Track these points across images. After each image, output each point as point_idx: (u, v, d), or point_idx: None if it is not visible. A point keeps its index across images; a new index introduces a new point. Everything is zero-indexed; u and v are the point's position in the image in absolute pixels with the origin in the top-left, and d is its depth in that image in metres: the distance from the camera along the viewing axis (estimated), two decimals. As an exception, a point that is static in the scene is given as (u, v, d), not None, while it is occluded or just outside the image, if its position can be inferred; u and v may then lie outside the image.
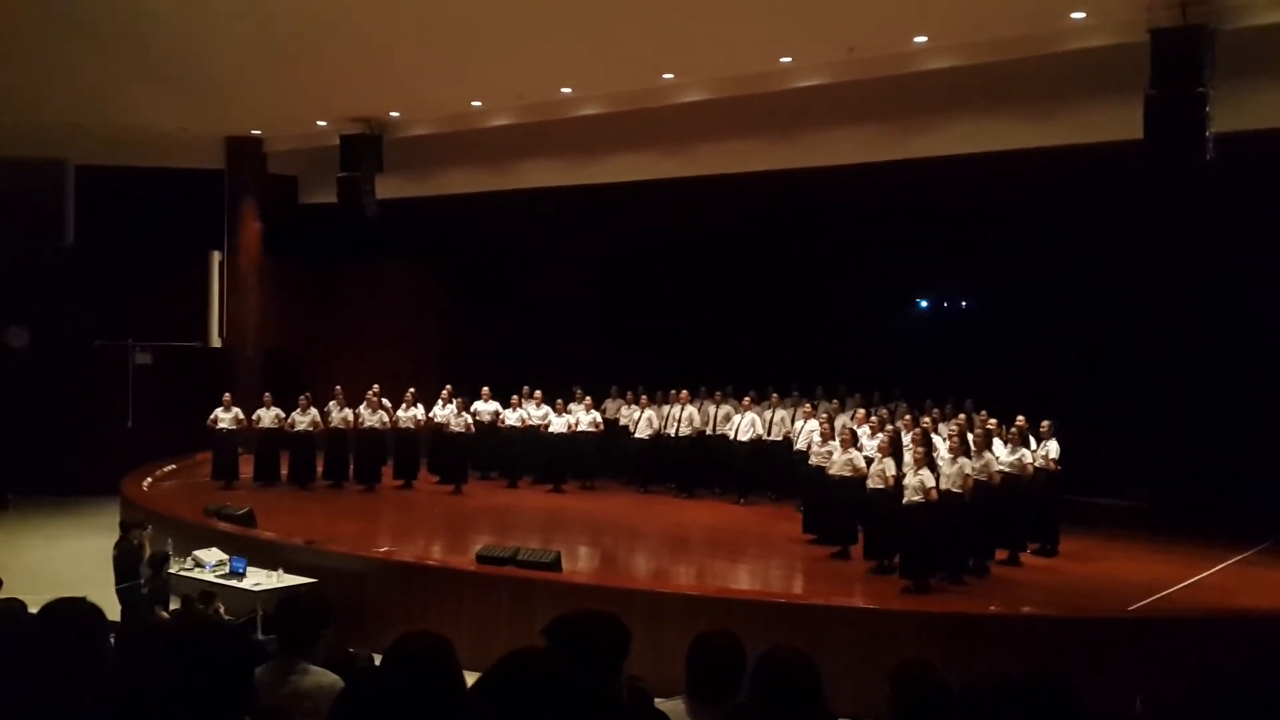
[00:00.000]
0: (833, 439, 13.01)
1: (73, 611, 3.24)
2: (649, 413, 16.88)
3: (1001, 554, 12.15)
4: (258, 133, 19.68)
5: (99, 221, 18.94)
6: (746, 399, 16.33)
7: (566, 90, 15.62)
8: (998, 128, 13.12)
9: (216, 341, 20.25)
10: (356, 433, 16.77)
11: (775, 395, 16.38)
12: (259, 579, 10.96)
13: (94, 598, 3.46)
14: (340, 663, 4.63)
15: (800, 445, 14.58)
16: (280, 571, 11.04)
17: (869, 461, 12.16)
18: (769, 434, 15.94)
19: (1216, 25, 10.98)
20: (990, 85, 12.90)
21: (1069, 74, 12.24)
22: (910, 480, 10.99)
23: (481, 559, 11.20)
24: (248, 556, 11.28)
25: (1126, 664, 8.61)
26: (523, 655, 2.45)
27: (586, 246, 19.56)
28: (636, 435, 16.98)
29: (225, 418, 16.58)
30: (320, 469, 16.82)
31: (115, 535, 11.53)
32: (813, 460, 13.34)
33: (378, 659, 3.90)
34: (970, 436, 11.93)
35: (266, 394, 17.04)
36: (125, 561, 10.91)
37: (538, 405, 17.37)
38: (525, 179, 17.40)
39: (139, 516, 12.61)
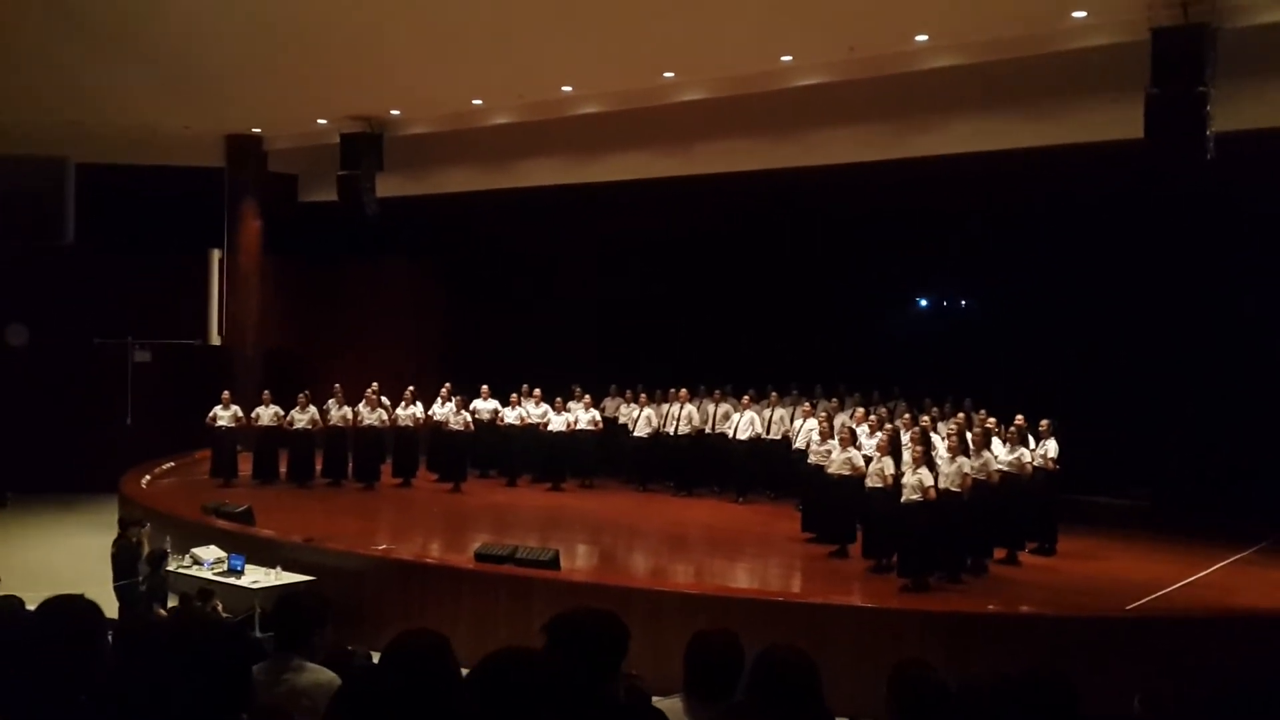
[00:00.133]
0: (832, 438, 13.01)
1: (71, 609, 3.24)
2: (648, 411, 16.88)
3: (1000, 553, 12.16)
4: (258, 131, 19.67)
5: (99, 219, 18.95)
6: (745, 397, 16.33)
7: (567, 89, 15.62)
8: (999, 127, 13.11)
9: (216, 340, 20.25)
10: (355, 431, 16.77)
11: (774, 394, 16.38)
12: (257, 577, 10.96)
13: (92, 595, 3.46)
14: (338, 661, 4.63)
15: (799, 444, 14.59)
16: (279, 569, 11.05)
17: (868, 460, 12.16)
18: (768, 433, 15.94)
19: (1218, 24, 10.97)
20: (991, 84, 12.89)
21: (1070, 73, 12.24)
22: (909, 479, 10.99)
23: (480, 557, 11.20)
24: (246, 554, 11.28)
25: (1125, 663, 8.62)
26: (512, 655, 2.44)
27: (586, 245, 19.56)
28: (635, 434, 16.98)
29: (224, 416, 16.58)
30: (319, 467, 16.82)
31: (114, 533, 11.53)
32: (811, 459, 13.35)
33: (376, 657, 3.90)
34: (969, 435, 11.93)
35: (266, 392, 17.04)
36: (124, 559, 10.91)
37: (537, 403, 17.37)
38: (525, 178, 17.40)
39: (138, 514, 12.60)
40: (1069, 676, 3.02)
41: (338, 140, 17.94)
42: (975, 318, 19.66)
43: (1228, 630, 9.39)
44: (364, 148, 17.76)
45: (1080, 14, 11.62)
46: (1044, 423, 12.98)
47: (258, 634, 9.56)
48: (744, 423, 16.00)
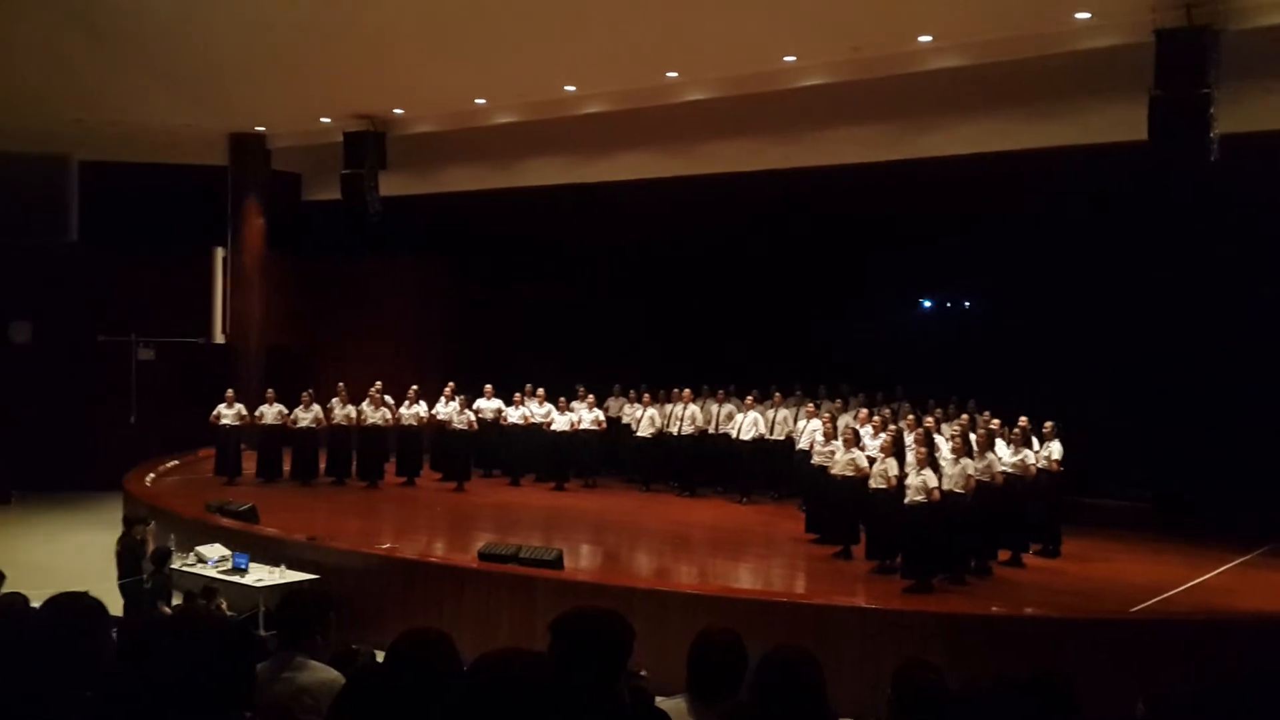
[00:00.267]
0: (835, 438, 13.00)
1: (75, 606, 3.25)
2: (651, 411, 16.88)
3: (1004, 555, 12.14)
4: (261, 129, 19.69)
5: (103, 217, 19.00)
6: (749, 398, 16.32)
7: (570, 88, 15.62)
8: (1002, 128, 13.11)
9: (220, 338, 20.26)
10: (359, 430, 16.79)
11: (778, 394, 16.37)
12: (261, 575, 10.98)
13: (96, 593, 3.47)
14: (342, 659, 4.63)
15: (803, 445, 14.56)
16: (282, 568, 11.07)
17: (871, 461, 12.15)
18: (771, 433, 15.93)
19: (1222, 26, 10.96)
20: (995, 85, 12.88)
21: (1074, 74, 12.23)
22: (913, 480, 10.98)
23: (483, 557, 11.20)
24: (250, 552, 11.30)
25: (1129, 666, 8.61)
26: (511, 657, 2.44)
27: (589, 245, 19.55)
28: (639, 434, 16.98)
29: (228, 414, 16.59)
30: (323, 466, 16.83)
31: (118, 530, 11.55)
32: (815, 460, 13.34)
33: (379, 655, 3.90)
34: (973, 437, 11.93)
35: (269, 390, 17.04)
36: (128, 557, 10.93)
37: (540, 403, 17.37)
38: (528, 177, 17.41)
39: (142, 512, 12.61)
40: (1072, 678, 3.02)
41: (341, 139, 17.95)
42: (979, 319, 19.62)
43: (1231, 633, 9.36)
44: (367, 146, 17.77)
45: (1084, 15, 11.61)
46: (1048, 424, 12.97)
47: (261, 632, 9.58)
48: (747, 423, 15.99)
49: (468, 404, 16.98)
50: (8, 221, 18.35)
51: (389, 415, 16.78)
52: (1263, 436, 14.00)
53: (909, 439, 12.07)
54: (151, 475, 16.42)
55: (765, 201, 17.08)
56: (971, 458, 11.45)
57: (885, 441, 12.08)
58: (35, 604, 3.70)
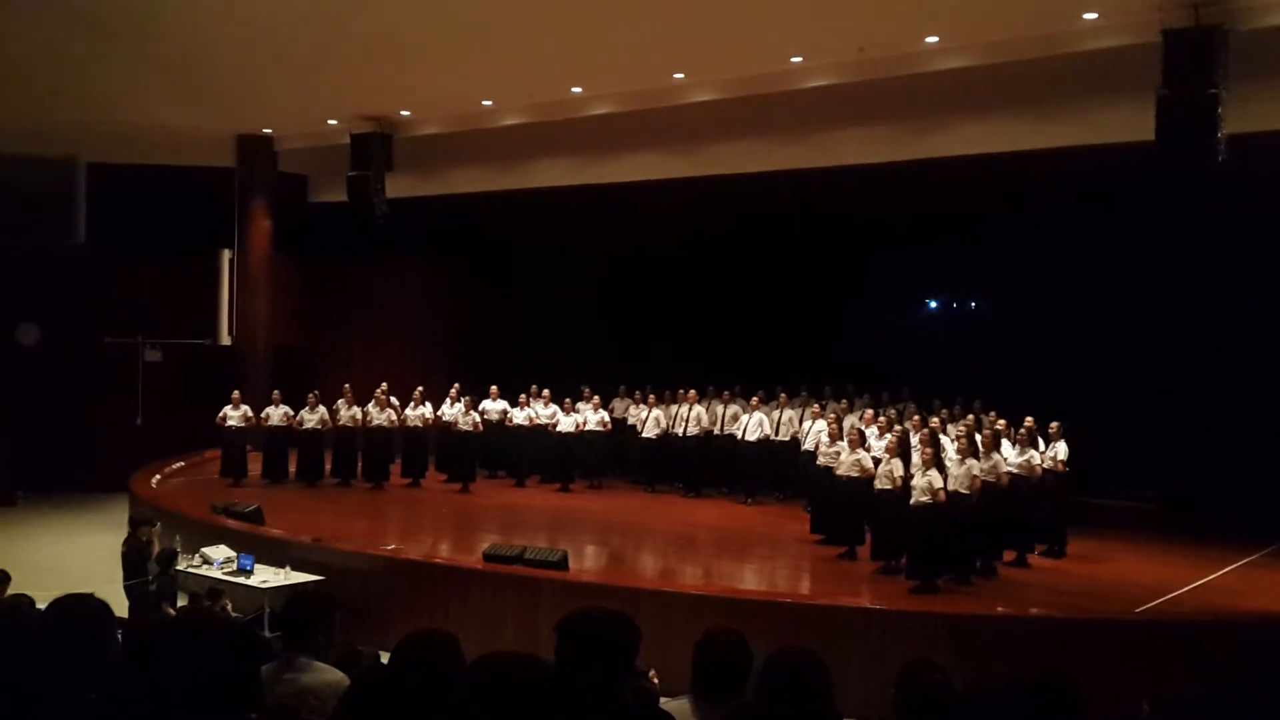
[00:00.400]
0: (840, 439, 12.99)
1: (81, 608, 3.26)
2: (656, 412, 16.88)
3: (1009, 555, 12.12)
4: (268, 131, 19.73)
5: (110, 219, 19.01)
6: (754, 399, 16.31)
7: (577, 90, 15.63)
8: (1009, 128, 13.09)
9: (226, 339, 20.30)
10: (365, 431, 16.81)
11: (783, 395, 16.37)
12: (266, 576, 10.98)
13: (102, 594, 3.48)
14: (347, 660, 4.64)
15: (808, 445, 14.57)
16: (288, 569, 11.07)
17: (877, 462, 12.13)
18: (777, 434, 15.93)
19: (1229, 26, 10.95)
20: (1001, 86, 12.87)
21: (1081, 75, 12.21)
22: (918, 481, 10.97)
23: (488, 558, 11.21)
24: (255, 554, 11.30)
25: (1134, 666, 8.59)
26: (512, 661, 2.44)
27: (595, 246, 19.56)
28: (644, 435, 16.98)
29: (234, 415, 16.62)
30: (328, 467, 16.85)
31: (124, 532, 11.57)
32: (820, 460, 13.33)
33: (385, 657, 3.90)
34: (978, 437, 11.90)
35: (275, 392, 17.06)
36: (134, 558, 10.93)
37: (545, 404, 17.38)
38: (535, 178, 17.42)
39: (148, 513, 12.61)
40: (1077, 679, 3.01)
41: (348, 141, 17.98)
42: (985, 319, 19.63)
43: (1237, 633, 9.34)
44: (374, 148, 17.81)
45: (1091, 15, 11.60)
46: (1053, 425, 12.95)
47: (267, 633, 9.58)
48: (753, 424, 15.98)
49: (473, 405, 17.00)
50: (15, 223, 18.37)
51: (394, 416, 16.79)
52: (1268, 437, 13.97)
53: (914, 440, 12.05)
54: (157, 477, 16.45)
55: (771, 202, 17.08)
56: (977, 458, 11.43)
57: (890, 442, 12.06)
58: (41, 605, 3.71)
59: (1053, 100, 12.66)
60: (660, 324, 19.66)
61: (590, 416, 17.03)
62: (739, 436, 16.12)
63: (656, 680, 5.81)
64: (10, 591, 7.31)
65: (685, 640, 3.47)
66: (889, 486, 11.59)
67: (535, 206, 18.42)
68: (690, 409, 16.61)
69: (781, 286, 18.96)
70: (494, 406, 17.43)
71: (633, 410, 17.55)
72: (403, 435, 17.04)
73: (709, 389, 17.19)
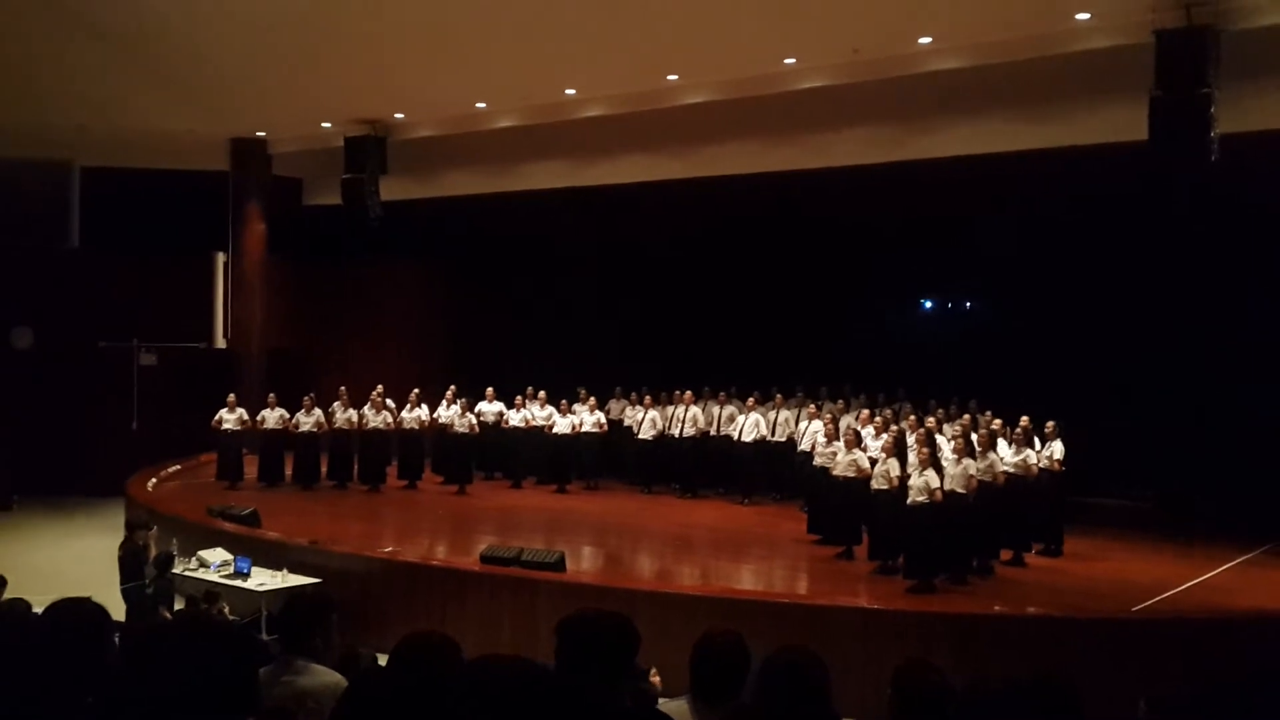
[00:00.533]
0: (837, 439, 13.00)
1: (77, 612, 3.25)
2: (653, 413, 16.89)
3: (1006, 554, 12.14)
4: (262, 134, 19.71)
5: (104, 223, 19.02)
6: (751, 399, 16.32)
7: (571, 92, 15.63)
8: (1002, 129, 13.12)
9: (221, 342, 20.28)
10: (361, 433, 16.80)
11: (779, 396, 16.38)
12: (263, 579, 10.97)
13: (99, 598, 3.47)
14: (345, 663, 4.63)
15: (804, 446, 14.57)
16: (285, 572, 11.05)
17: (873, 462, 12.15)
18: (773, 434, 15.94)
19: (1221, 26, 10.97)
20: (995, 87, 12.89)
21: (1074, 75, 12.24)
22: (915, 481, 10.98)
23: (485, 559, 11.20)
24: (252, 557, 11.28)
25: (1131, 665, 8.61)
26: (505, 662, 2.44)
27: (590, 248, 19.56)
28: (640, 436, 16.99)
29: (230, 418, 16.61)
30: (324, 470, 16.84)
31: (120, 536, 11.56)
32: (817, 461, 13.34)
33: (382, 659, 3.90)
34: (975, 437, 11.93)
35: (271, 395, 17.06)
36: (130, 562, 10.91)
37: (542, 406, 17.37)
38: (529, 180, 17.42)
39: (144, 517, 12.62)
40: (1074, 679, 3.02)
41: (342, 144, 17.97)
42: (980, 320, 19.64)
43: (1233, 632, 9.36)
44: (368, 151, 17.79)
45: (1084, 16, 11.62)
46: (1049, 424, 12.97)
47: (264, 636, 9.57)
48: (749, 424, 15.99)
49: (469, 407, 17.00)
50: (9, 227, 18.36)
51: (390, 419, 16.79)
52: (1264, 436, 14.01)
53: (911, 439, 12.08)
54: (153, 480, 16.42)
55: (766, 204, 17.10)
56: (973, 458, 11.45)
57: (887, 442, 12.08)
58: (37, 610, 3.71)
59: (1046, 101, 12.69)
60: (656, 325, 19.66)
61: (586, 418, 17.03)
62: (735, 437, 16.13)
63: (658, 679, 5.81)
64: (6, 596, 7.29)
65: (683, 641, 3.48)
66: (885, 486, 11.60)
67: (530, 209, 18.42)
68: (686, 410, 16.61)
69: (777, 287, 18.97)
70: (490, 408, 17.43)
71: (629, 411, 17.55)
72: (399, 437, 17.04)
73: (705, 390, 17.20)
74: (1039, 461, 12.61)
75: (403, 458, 17.06)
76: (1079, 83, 12.27)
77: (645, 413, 16.95)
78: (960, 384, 15.76)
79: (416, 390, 17.19)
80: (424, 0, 12.95)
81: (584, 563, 12.22)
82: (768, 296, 19.04)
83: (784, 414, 16.04)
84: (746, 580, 12.02)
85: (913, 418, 13.76)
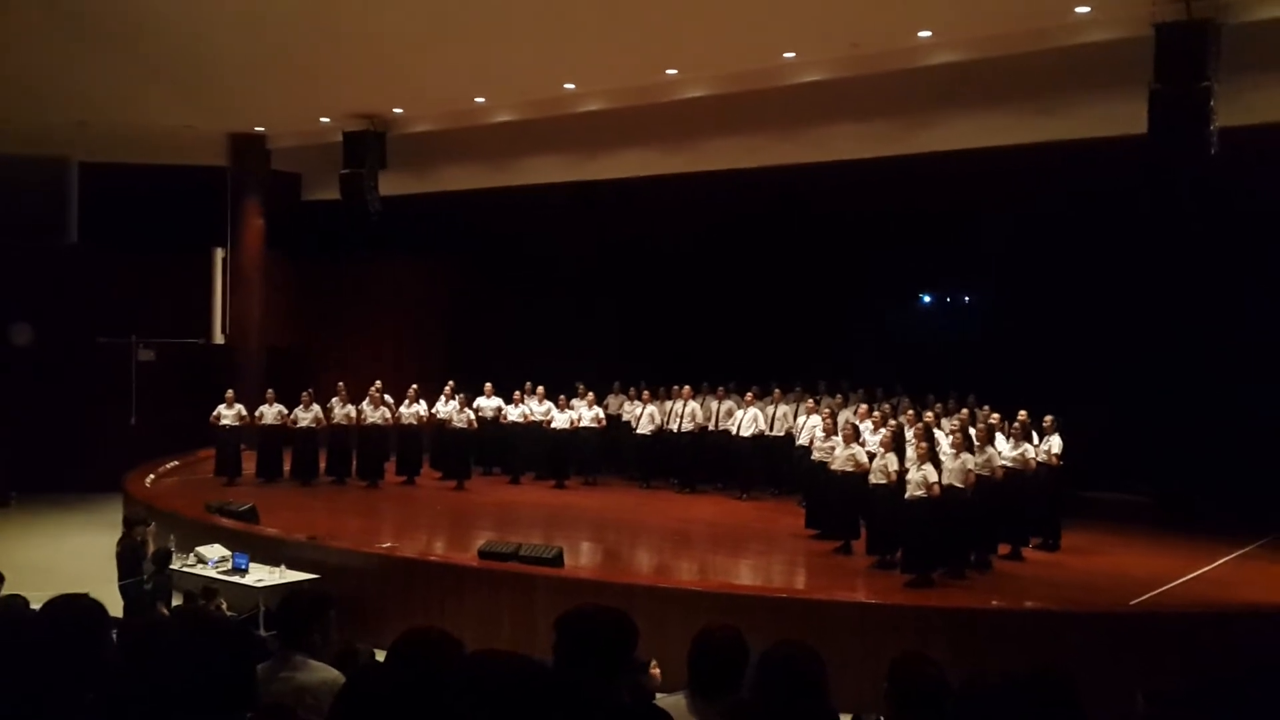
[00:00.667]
0: (835, 434, 13.00)
1: (75, 608, 3.26)
2: (651, 408, 16.89)
3: (1004, 549, 12.16)
4: (261, 130, 19.68)
5: (102, 219, 18.99)
6: (749, 394, 16.32)
7: (570, 86, 15.61)
8: (1002, 123, 13.10)
9: (219, 338, 20.26)
10: (359, 429, 16.79)
11: (778, 390, 16.38)
12: (261, 575, 10.97)
13: (97, 594, 3.48)
14: (342, 658, 4.64)
15: (803, 440, 14.58)
16: (283, 568, 11.06)
17: (871, 457, 12.15)
18: (771, 429, 15.94)
19: (1221, 20, 10.97)
20: (994, 80, 12.88)
21: (1073, 69, 12.22)
22: (913, 475, 10.99)
23: (484, 555, 11.21)
24: (250, 553, 11.28)
25: (1128, 658, 8.62)
26: (503, 658, 2.44)
27: (589, 242, 19.56)
28: (639, 431, 17.00)
29: (228, 414, 16.59)
30: (323, 465, 16.84)
31: (118, 532, 11.55)
32: (815, 455, 13.35)
33: (381, 655, 3.90)
34: (973, 431, 11.94)
35: (269, 390, 17.04)
36: (128, 558, 10.92)
37: (540, 401, 17.37)
38: (528, 175, 17.40)
39: (142, 513, 12.61)
40: (1071, 673, 3.02)
41: (340, 138, 17.94)
42: (978, 313, 19.66)
43: (1231, 625, 9.37)
44: (367, 146, 17.77)
45: (1084, 9, 11.61)
46: (1048, 419, 12.97)
47: (262, 632, 9.58)
48: (747, 419, 15.99)
49: (467, 402, 16.99)
50: (7, 223, 18.34)
51: (389, 414, 16.78)
52: (1260, 429, 14.03)
53: (909, 434, 12.08)
54: (151, 476, 16.42)
55: (764, 198, 17.09)
56: (971, 452, 11.46)
57: (885, 437, 12.08)
58: (35, 606, 3.70)
59: (1046, 95, 12.68)
60: (654, 320, 19.67)
61: (585, 413, 17.03)
62: (734, 432, 16.13)
63: (658, 671, 5.81)
64: (4, 592, 7.29)
65: (681, 636, 3.48)
66: (884, 481, 11.61)
67: (529, 203, 18.40)
68: (685, 405, 16.61)
69: (775, 282, 18.97)
70: (488, 404, 17.43)
71: (627, 406, 17.55)
72: (397, 433, 17.04)
73: (703, 385, 17.20)
74: (1037, 456, 12.62)
75: (401, 453, 17.06)
76: (1078, 76, 12.26)
77: (643, 408, 16.96)
78: (958, 379, 15.76)
79: (415, 386, 17.19)
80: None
81: (582, 558, 12.23)
82: (766, 291, 19.04)
83: (782, 409, 16.04)
84: (745, 575, 12.02)
85: (911, 412, 13.78)
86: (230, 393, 16.88)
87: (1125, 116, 11.38)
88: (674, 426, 16.65)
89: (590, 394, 17.31)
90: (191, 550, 11.52)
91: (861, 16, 12.45)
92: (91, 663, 3.09)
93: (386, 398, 16.89)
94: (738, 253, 18.98)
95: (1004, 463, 12.08)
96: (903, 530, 11.16)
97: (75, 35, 14.48)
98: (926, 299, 20.90)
